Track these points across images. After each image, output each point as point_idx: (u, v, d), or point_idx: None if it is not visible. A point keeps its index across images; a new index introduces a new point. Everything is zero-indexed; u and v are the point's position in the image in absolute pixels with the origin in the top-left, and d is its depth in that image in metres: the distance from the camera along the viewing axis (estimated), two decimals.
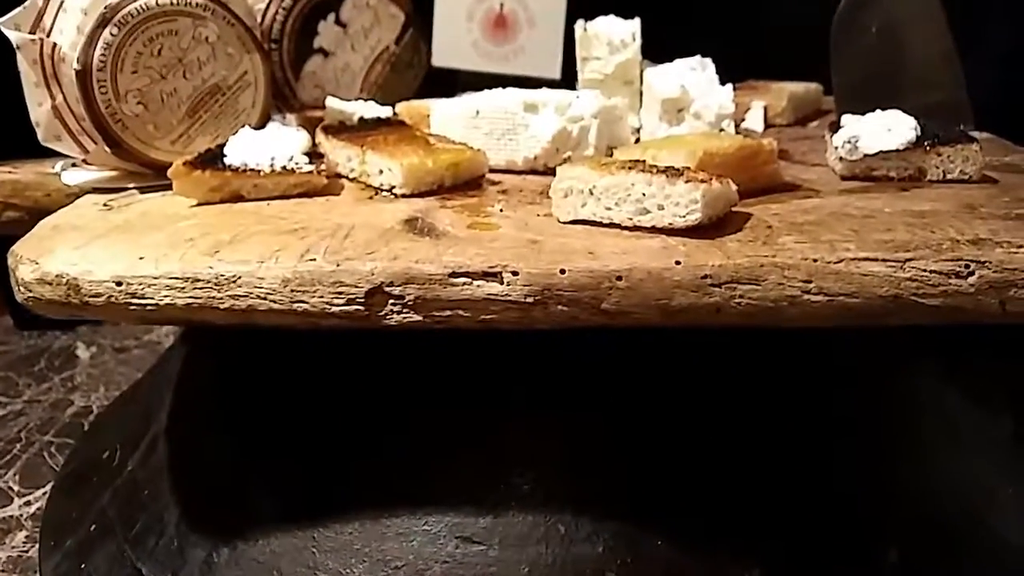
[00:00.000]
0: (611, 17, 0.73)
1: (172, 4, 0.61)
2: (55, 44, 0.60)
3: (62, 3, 0.60)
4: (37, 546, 0.66)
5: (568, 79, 0.78)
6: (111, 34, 0.59)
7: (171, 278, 0.46)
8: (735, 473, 0.54)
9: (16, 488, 0.77)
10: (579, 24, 0.73)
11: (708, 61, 0.69)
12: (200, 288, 0.46)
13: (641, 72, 0.72)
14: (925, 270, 0.44)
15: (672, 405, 0.56)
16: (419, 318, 0.46)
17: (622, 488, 0.53)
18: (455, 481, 0.53)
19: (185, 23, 0.62)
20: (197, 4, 0.62)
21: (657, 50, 0.74)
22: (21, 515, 0.73)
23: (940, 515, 0.57)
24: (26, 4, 0.60)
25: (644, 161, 0.51)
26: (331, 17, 0.77)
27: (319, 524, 0.53)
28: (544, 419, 0.55)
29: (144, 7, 0.60)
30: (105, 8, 0.59)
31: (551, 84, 0.81)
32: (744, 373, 0.57)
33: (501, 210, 0.54)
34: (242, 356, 0.63)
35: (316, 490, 0.55)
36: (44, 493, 0.75)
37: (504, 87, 0.70)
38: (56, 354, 1.04)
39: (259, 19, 0.73)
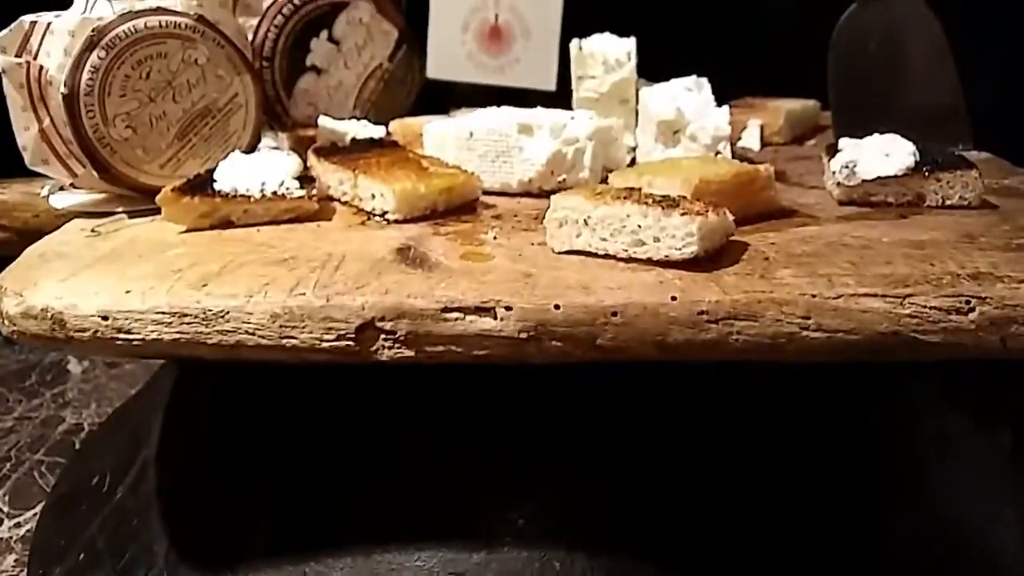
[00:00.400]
0: (606, 35, 0.72)
1: (161, 26, 0.60)
2: (42, 67, 0.59)
3: (49, 25, 0.59)
4: (26, 571, 0.66)
5: (564, 94, 0.77)
6: (99, 57, 0.58)
7: (158, 312, 0.45)
8: (730, 507, 0.53)
9: (5, 509, 0.76)
10: (574, 43, 0.72)
11: (704, 81, 0.68)
12: (187, 323, 0.45)
13: (637, 91, 0.71)
14: (925, 306, 0.43)
15: (667, 441, 0.55)
16: (411, 353, 0.45)
17: (617, 524, 0.52)
18: (448, 516, 0.52)
19: (174, 45, 0.61)
20: (186, 26, 0.61)
21: (653, 66, 0.73)
22: (11, 537, 0.72)
23: (940, 540, 0.56)
24: (12, 26, 0.60)
25: (640, 190, 0.51)
26: (324, 34, 0.77)
27: (311, 558, 0.52)
28: (539, 454, 0.54)
29: (132, 30, 0.59)
30: (93, 31, 0.58)
31: (546, 95, 0.81)
32: (738, 404, 0.56)
33: (495, 237, 0.54)
34: (234, 382, 0.62)
35: (308, 524, 0.54)
36: (34, 515, 0.74)
37: (499, 99, 0.69)
38: (47, 369, 1.03)
39: (251, 36, 0.73)
